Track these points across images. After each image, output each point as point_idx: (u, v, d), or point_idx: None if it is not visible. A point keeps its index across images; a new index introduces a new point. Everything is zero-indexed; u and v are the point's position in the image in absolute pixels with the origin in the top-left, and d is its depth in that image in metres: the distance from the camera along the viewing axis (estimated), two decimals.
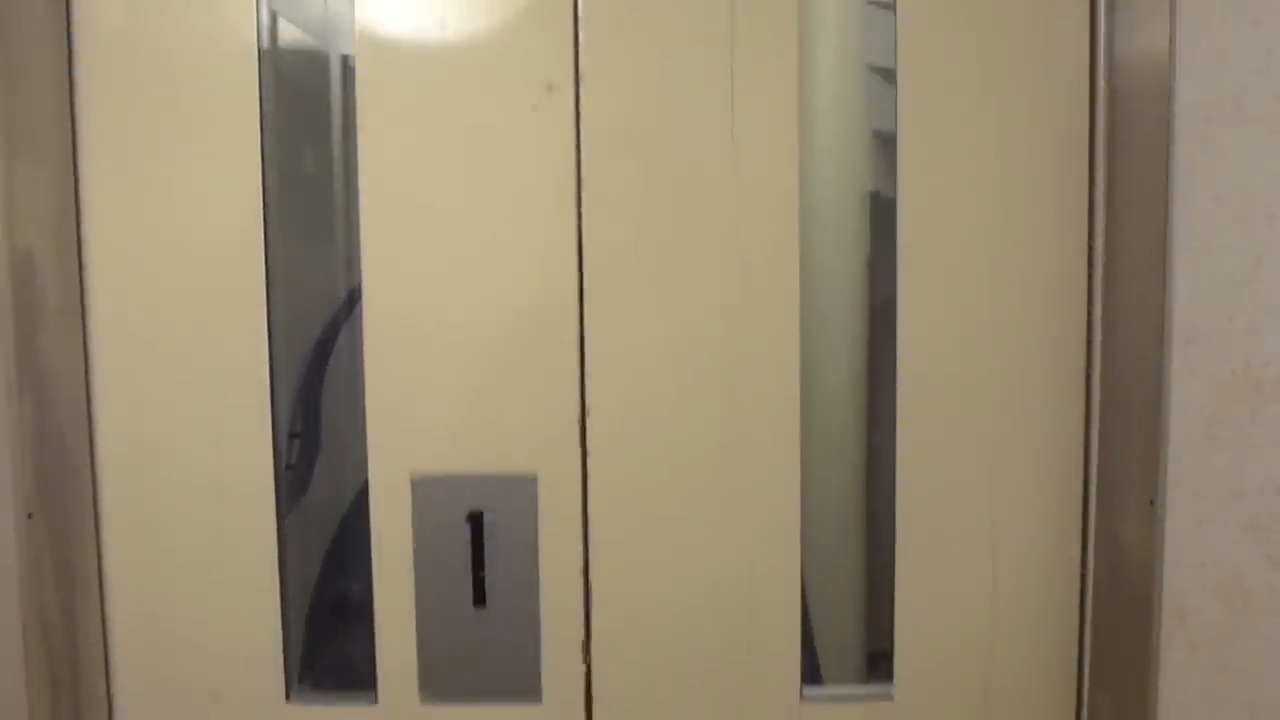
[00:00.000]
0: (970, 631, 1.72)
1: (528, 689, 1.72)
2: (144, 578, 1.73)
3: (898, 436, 1.70)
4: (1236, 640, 1.51)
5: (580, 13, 1.63)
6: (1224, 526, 1.50)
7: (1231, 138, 1.47)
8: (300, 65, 1.72)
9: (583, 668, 1.72)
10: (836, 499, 1.81)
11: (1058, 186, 1.66)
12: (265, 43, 1.67)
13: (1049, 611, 1.72)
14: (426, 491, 1.69)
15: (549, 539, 1.70)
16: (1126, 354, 1.60)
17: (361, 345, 1.67)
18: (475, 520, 1.69)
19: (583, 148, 1.64)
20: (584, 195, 1.65)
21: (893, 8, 1.65)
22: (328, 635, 1.82)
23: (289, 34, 1.71)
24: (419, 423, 1.69)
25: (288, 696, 1.74)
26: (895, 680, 1.73)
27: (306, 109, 1.72)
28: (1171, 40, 1.48)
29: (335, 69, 1.73)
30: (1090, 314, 1.66)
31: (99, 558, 1.72)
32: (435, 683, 1.73)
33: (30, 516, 1.59)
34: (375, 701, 1.73)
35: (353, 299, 1.72)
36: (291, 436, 1.77)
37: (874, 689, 1.76)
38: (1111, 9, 1.61)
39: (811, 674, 1.75)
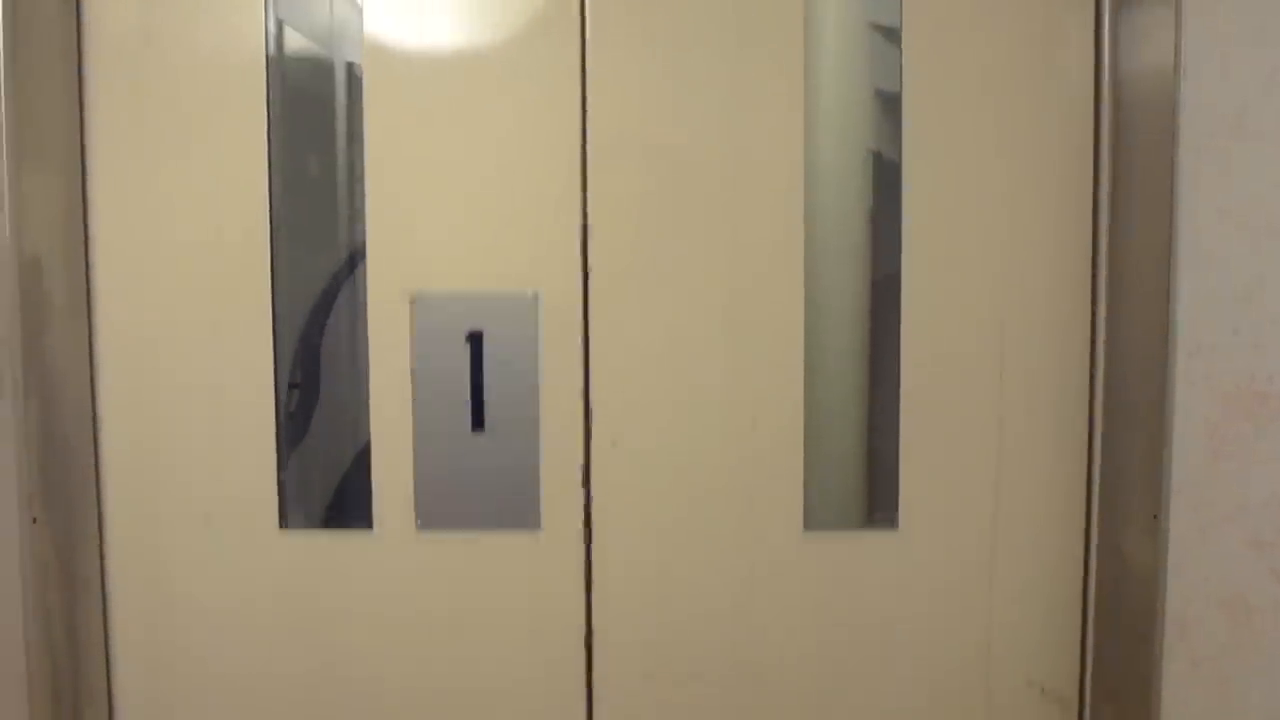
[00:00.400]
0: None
1: (526, 516, 1.68)
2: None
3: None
4: (1239, 654, 1.50)
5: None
6: (1227, 540, 1.50)
7: (1236, 152, 1.48)
8: (306, 72, 1.73)
9: (582, 494, 1.69)
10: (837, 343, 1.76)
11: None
12: (272, 50, 1.68)
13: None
14: (426, 309, 1.65)
15: (550, 360, 1.66)
16: (1130, 366, 1.60)
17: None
18: (475, 340, 1.65)
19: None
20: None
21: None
22: (323, 464, 1.77)
23: (295, 42, 1.72)
24: (419, 238, 1.65)
25: (281, 524, 1.71)
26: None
27: (312, 115, 1.73)
28: (1176, 56, 1.48)
29: (340, 76, 1.73)
30: (1094, 325, 1.67)
31: (101, 560, 1.72)
32: (432, 510, 1.69)
33: (35, 521, 1.60)
34: (371, 529, 1.70)
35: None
36: (292, 386, 1.74)
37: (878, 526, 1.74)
38: (1116, 24, 1.61)
39: (814, 516, 1.71)
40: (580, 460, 1.68)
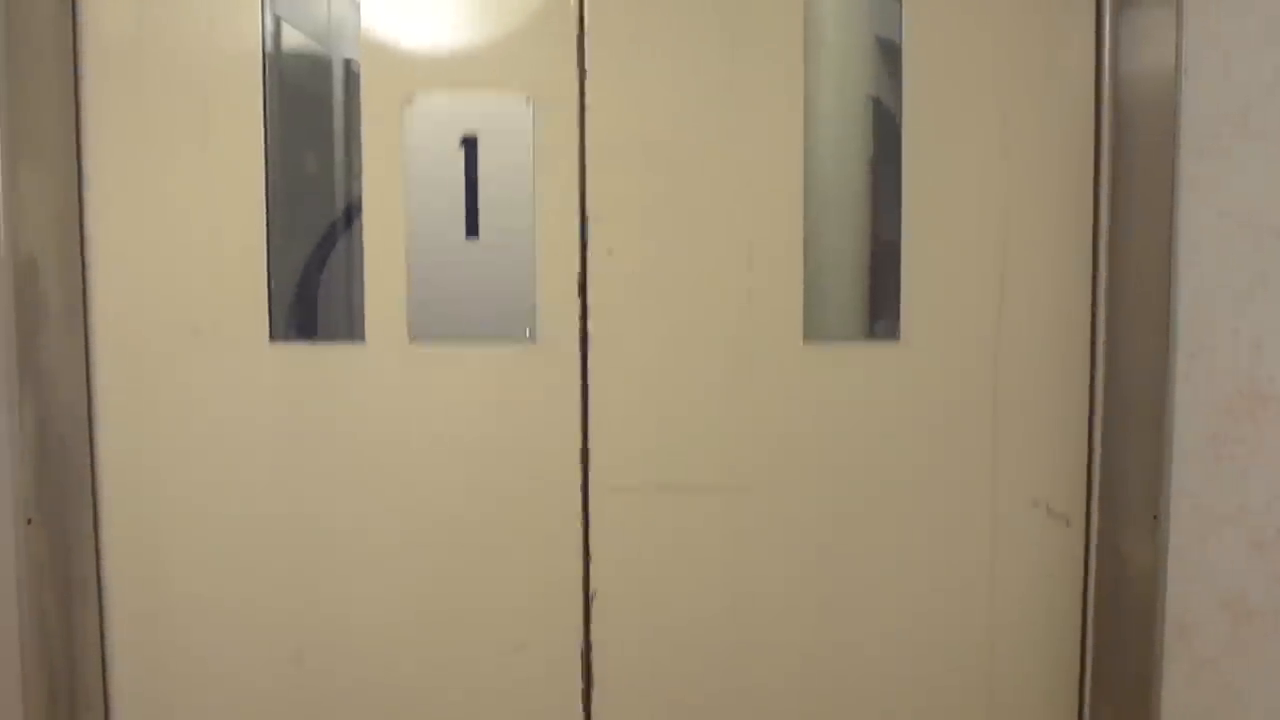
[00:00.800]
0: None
1: (522, 327, 1.65)
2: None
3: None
4: (1240, 657, 1.50)
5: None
6: (1228, 542, 1.50)
7: (1237, 152, 1.48)
8: (304, 69, 1.72)
9: (578, 304, 1.66)
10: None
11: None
12: (269, 47, 1.67)
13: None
14: (420, 113, 1.61)
15: (545, 166, 1.63)
16: (1130, 367, 1.60)
17: None
18: (469, 145, 1.61)
19: None
20: None
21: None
22: (315, 275, 1.72)
23: (292, 39, 1.71)
24: (414, 37, 1.62)
25: (271, 337, 1.68)
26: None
27: (309, 113, 1.72)
28: (1178, 56, 1.48)
29: (338, 73, 1.73)
30: (1094, 326, 1.66)
31: (98, 562, 1.72)
32: (425, 321, 1.65)
33: (29, 522, 1.59)
34: (363, 340, 1.67)
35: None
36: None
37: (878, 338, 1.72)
38: (1117, 24, 1.60)
39: (814, 327, 1.69)
40: (576, 269, 1.65)
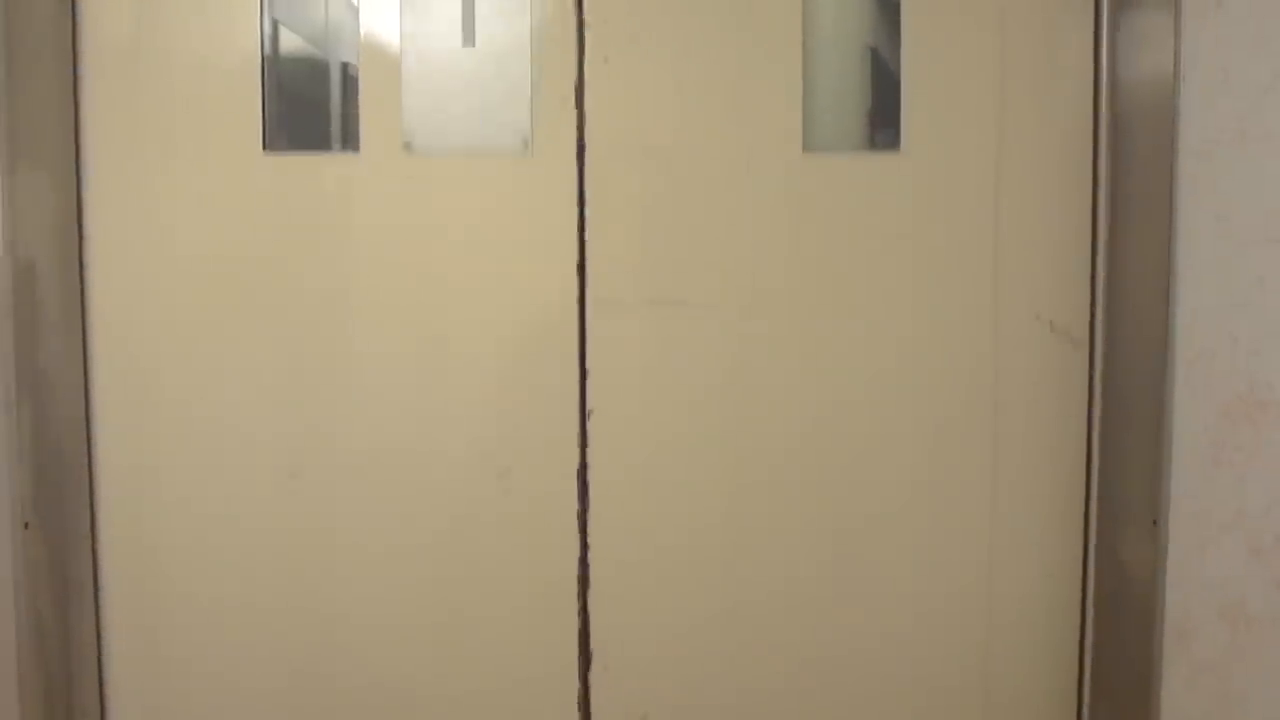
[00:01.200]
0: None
1: (518, 137, 1.63)
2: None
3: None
4: (1239, 663, 1.50)
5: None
6: (1227, 548, 1.50)
7: (1235, 158, 1.48)
8: (302, 73, 1.72)
9: (575, 114, 1.64)
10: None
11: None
12: (267, 50, 1.67)
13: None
14: None
15: None
16: (1129, 372, 1.60)
17: None
18: None
19: None
20: None
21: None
22: (308, 87, 1.70)
23: (291, 42, 1.71)
24: None
25: (265, 147, 1.66)
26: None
27: (307, 116, 1.72)
28: (1176, 61, 1.48)
29: (336, 76, 1.73)
30: (1093, 331, 1.66)
31: (95, 566, 1.71)
32: (421, 130, 1.63)
33: (27, 526, 1.59)
34: (357, 150, 1.65)
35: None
36: None
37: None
38: (1115, 29, 1.61)
39: (813, 137, 1.66)
40: (573, 77, 1.63)
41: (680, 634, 1.71)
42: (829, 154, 1.66)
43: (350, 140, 1.66)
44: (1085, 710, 1.69)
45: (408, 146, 1.64)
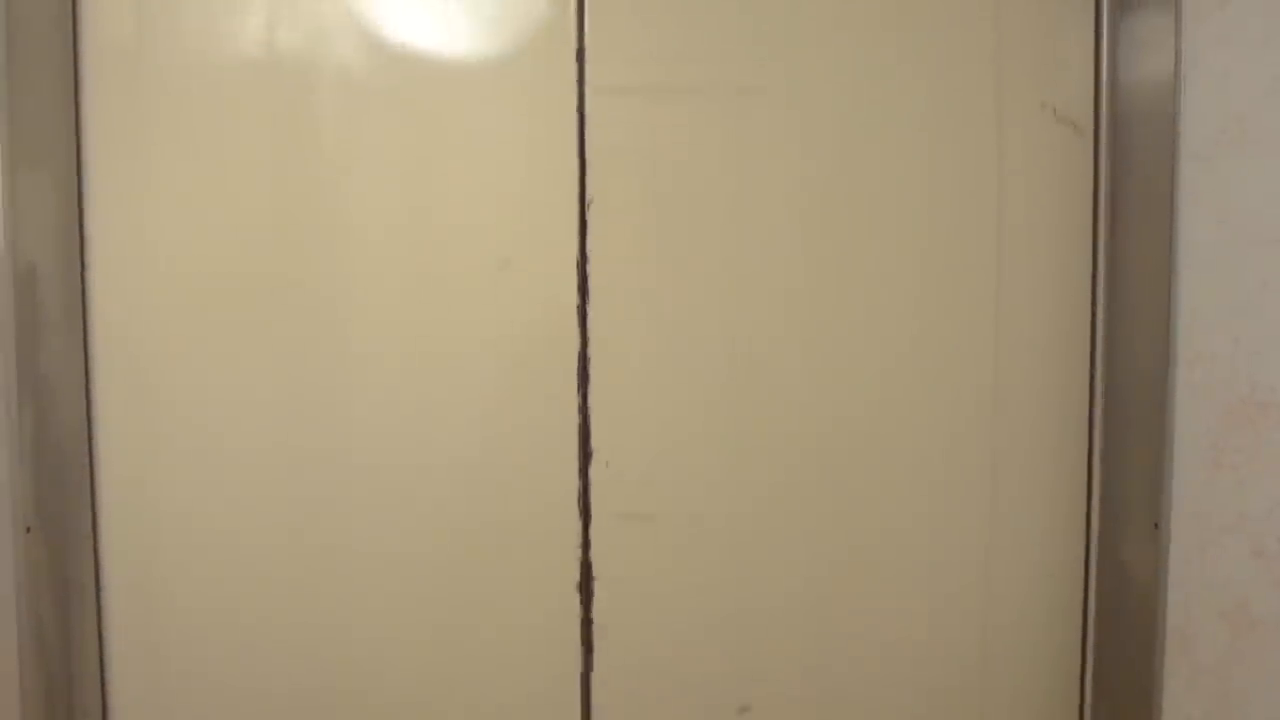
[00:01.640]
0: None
1: None
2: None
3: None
4: (1241, 666, 1.50)
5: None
6: (1229, 551, 1.49)
7: (1236, 160, 1.47)
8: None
9: None
10: None
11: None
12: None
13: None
14: None
15: None
16: (1130, 375, 1.60)
17: None
18: None
19: None
20: None
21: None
22: None
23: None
24: None
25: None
26: None
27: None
28: (1176, 63, 1.48)
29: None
30: (1094, 334, 1.66)
31: (96, 569, 1.71)
32: None
33: (28, 531, 1.59)
34: None
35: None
36: None
37: None
38: (1115, 31, 1.61)
39: None
40: None
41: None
42: None
43: None
44: (1086, 712, 1.69)
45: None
